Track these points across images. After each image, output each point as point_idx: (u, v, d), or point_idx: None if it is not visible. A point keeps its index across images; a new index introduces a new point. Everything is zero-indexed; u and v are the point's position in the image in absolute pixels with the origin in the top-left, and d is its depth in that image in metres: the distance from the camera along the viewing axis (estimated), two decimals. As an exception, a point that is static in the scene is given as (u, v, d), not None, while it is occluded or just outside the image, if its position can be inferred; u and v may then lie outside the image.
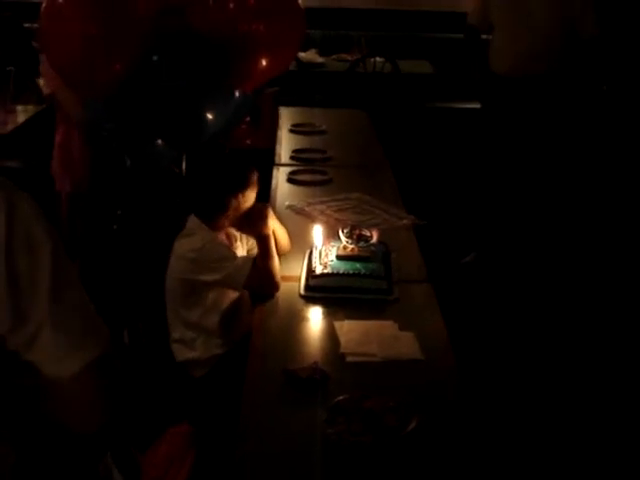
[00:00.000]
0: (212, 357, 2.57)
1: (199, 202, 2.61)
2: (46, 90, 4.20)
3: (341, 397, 1.85)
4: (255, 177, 2.61)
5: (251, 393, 1.97)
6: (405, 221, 3.06)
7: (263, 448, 1.76)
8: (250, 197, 2.58)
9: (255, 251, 2.59)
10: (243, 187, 2.56)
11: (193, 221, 2.59)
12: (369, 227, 2.73)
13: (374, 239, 2.63)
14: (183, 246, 2.57)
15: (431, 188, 5.13)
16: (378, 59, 6.09)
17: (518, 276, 4.31)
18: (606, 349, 3.68)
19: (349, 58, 6.48)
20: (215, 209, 2.56)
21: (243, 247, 2.71)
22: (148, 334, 3.10)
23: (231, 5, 3.09)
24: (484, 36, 4.62)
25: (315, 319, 2.35)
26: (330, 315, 2.34)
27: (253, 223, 2.53)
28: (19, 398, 1.27)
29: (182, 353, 2.60)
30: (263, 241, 2.49)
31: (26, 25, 4.84)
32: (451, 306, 2.66)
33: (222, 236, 2.62)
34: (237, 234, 2.69)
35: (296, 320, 2.33)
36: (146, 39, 2.95)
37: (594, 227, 4.85)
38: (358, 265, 2.52)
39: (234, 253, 2.57)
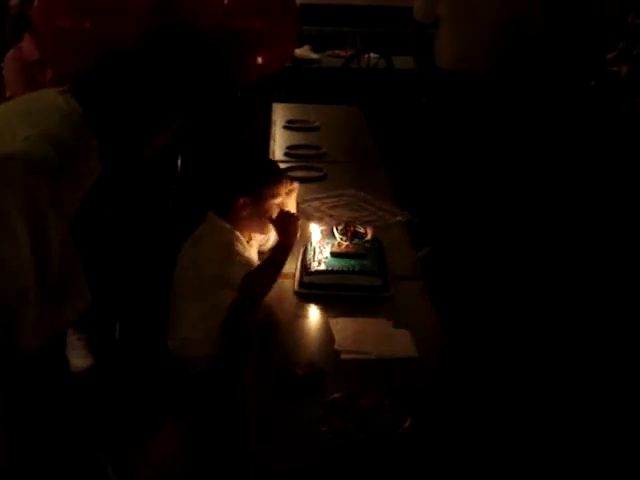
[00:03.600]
0: (209, 355, 2.54)
1: (235, 177, 2.58)
2: (8, 92, 4.15)
3: (336, 395, 1.85)
4: (289, 182, 2.60)
5: (246, 391, 1.96)
6: (399, 218, 3.05)
7: (259, 446, 1.76)
8: (280, 193, 2.55)
9: (267, 246, 2.59)
10: (278, 174, 2.60)
11: (210, 216, 2.57)
12: (363, 224, 2.73)
13: (369, 236, 2.62)
14: (194, 239, 2.55)
15: (425, 184, 5.13)
16: (372, 55, 6.09)
17: (504, 269, 4.33)
18: (600, 347, 3.69)
19: (343, 54, 6.47)
20: (248, 185, 2.53)
21: (255, 246, 2.67)
22: (142, 329, 3.09)
23: (225, 1, 3.07)
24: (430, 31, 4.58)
25: (310, 316, 2.34)
26: (325, 312, 2.33)
27: (284, 230, 2.50)
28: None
29: (179, 350, 2.58)
30: (283, 250, 2.48)
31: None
32: (445, 302, 2.66)
33: (239, 234, 2.57)
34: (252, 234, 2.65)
35: (291, 317, 2.33)
36: (139, 35, 2.94)
37: (555, 219, 4.94)
38: (352, 262, 2.51)
39: (242, 250, 2.54)
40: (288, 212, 2.53)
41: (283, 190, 2.57)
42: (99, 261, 3.38)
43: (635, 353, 3.61)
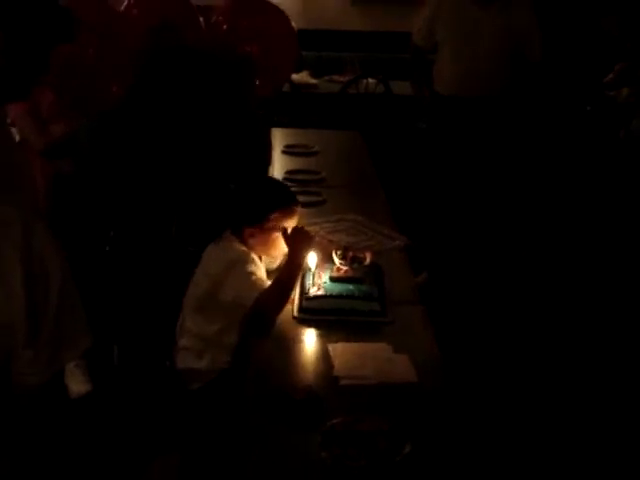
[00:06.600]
0: (214, 371, 2.53)
1: (240, 209, 2.60)
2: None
3: (335, 420, 1.84)
4: (298, 207, 2.63)
5: (244, 416, 1.95)
6: (398, 242, 3.05)
7: (257, 472, 1.75)
8: (287, 223, 2.57)
9: (274, 265, 2.60)
10: (285, 205, 2.58)
11: (227, 236, 2.58)
12: (362, 248, 2.73)
13: (367, 260, 2.62)
14: (211, 258, 2.55)
15: (423, 209, 5.14)
16: (370, 80, 6.12)
17: (503, 292, 4.33)
18: (602, 367, 3.68)
19: (342, 80, 6.50)
20: (253, 218, 2.55)
21: (263, 266, 2.67)
22: (139, 352, 3.08)
23: (224, 27, 3.10)
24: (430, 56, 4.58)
25: (309, 341, 2.34)
26: (324, 337, 2.33)
27: (293, 247, 2.52)
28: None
29: (187, 361, 2.56)
30: (291, 268, 2.48)
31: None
32: (444, 327, 2.66)
33: (253, 255, 2.58)
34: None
35: (289, 342, 2.32)
36: (140, 59, 2.96)
37: (553, 244, 4.94)
38: (351, 287, 2.51)
39: (256, 270, 2.53)
40: (301, 230, 2.55)
41: (290, 220, 2.59)
42: (98, 286, 3.39)
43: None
